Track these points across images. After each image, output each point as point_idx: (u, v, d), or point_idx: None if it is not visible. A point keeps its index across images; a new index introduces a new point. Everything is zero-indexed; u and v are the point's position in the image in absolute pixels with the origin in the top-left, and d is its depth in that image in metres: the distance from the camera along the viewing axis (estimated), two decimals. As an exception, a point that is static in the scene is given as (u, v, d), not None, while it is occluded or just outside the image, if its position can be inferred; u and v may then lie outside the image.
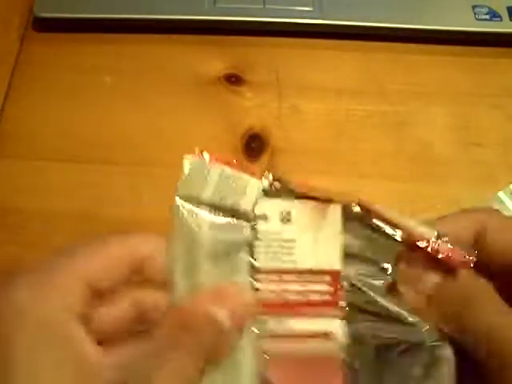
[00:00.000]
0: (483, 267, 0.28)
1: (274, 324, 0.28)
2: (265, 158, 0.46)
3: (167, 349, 0.26)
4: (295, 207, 0.28)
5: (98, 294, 0.27)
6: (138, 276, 0.28)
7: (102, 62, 0.49)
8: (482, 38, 0.50)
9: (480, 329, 0.25)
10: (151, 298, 0.28)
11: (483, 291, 0.27)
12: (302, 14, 0.50)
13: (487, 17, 0.50)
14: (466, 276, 0.27)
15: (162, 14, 0.49)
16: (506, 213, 0.42)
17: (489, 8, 0.50)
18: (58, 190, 0.44)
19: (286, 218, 0.28)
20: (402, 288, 0.28)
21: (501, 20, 0.50)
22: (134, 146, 0.46)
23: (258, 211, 0.28)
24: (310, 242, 0.28)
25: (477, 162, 0.46)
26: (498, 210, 0.30)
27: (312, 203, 0.28)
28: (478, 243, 0.28)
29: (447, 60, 0.50)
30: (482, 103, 0.48)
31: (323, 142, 0.46)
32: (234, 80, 0.49)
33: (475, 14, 0.50)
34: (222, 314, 0.27)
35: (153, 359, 0.25)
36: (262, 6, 0.50)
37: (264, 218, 0.28)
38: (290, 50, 0.50)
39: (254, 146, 0.46)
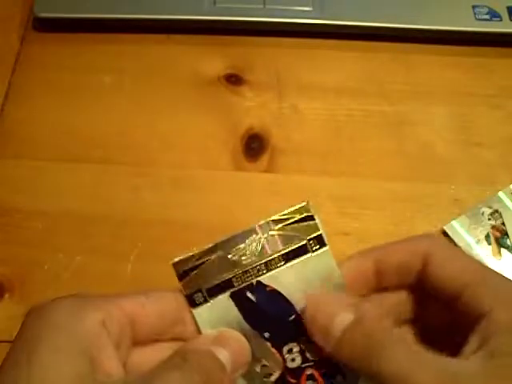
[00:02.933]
0: (427, 292, 0.29)
1: None
2: (265, 158, 0.46)
3: (170, 378, 0.26)
4: None
5: (140, 337, 0.28)
6: (182, 328, 0.29)
7: (102, 61, 0.49)
8: (482, 37, 0.50)
9: (388, 374, 0.25)
10: None
11: (390, 334, 0.27)
12: (302, 14, 0.50)
13: (487, 17, 0.50)
14: (371, 319, 0.28)
15: (162, 14, 0.49)
16: (506, 213, 0.42)
17: (489, 8, 0.50)
18: (58, 190, 0.44)
19: None
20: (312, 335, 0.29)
21: (501, 20, 0.50)
22: (134, 146, 0.46)
23: None
24: None
25: (477, 162, 0.46)
26: (441, 239, 0.31)
27: None
28: (423, 269, 0.29)
29: (447, 60, 0.50)
30: (482, 103, 0.48)
31: (323, 142, 0.46)
32: (233, 80, 0.49)
33: (475, 14, 0.50)
34: (223, 354, 0.28)
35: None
36: (262, 6, 0.50)
37: None
38: (290, 50, 0.50)
39: (253, 146, 0.46)
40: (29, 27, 0.50)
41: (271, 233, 0.30)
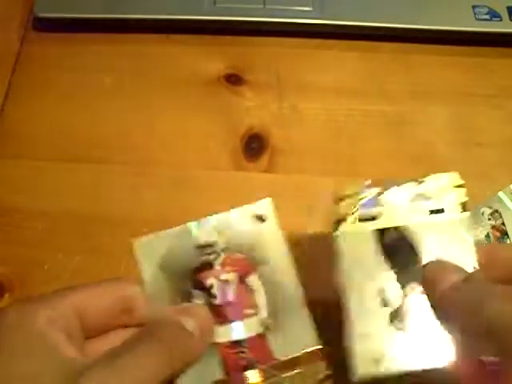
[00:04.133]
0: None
1: None
2: (265, 158, 0.46)
3: (139, 352, 0.27)
4: None
5: (88, 330, 0.29)
6: (127, 316, 0.30)
7: (102, 61, 0.49)
8: (482, 37, 0.50)
9: (498, 326, 0.26)
10: None
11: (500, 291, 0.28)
12: (302, 14, 0.50)
13: (487, 17, 0.50)
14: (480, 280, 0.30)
15: (162, 14, 0.49)
16: (506, 213, 0.42)
17: (489, 8, 0.50)
18: (58, 190, 0.44)
19: None
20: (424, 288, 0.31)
21: (501, 20, 0.50)
22: (134, 145, 0.46)
23: None
24: None
25: (477, 162, 0.46)
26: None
27: None
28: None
29: (447, 60, 0.50)
30: (482, 103, 0.48)
31: (323, 142, 0.46)
32: (234, 80, 0.49)
33: (475, 14, 0.50)
34: (190, 323, 0.30)
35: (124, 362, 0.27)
36: (262, 6, 0.50)
37: None
38: (290, 50, 0.50)
39: (254, 146, 0.46)
40: (29, 27, 0.50)
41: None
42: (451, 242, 0.32)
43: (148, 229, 0.42)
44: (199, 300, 0.32)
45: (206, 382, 0.31)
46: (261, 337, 0.32)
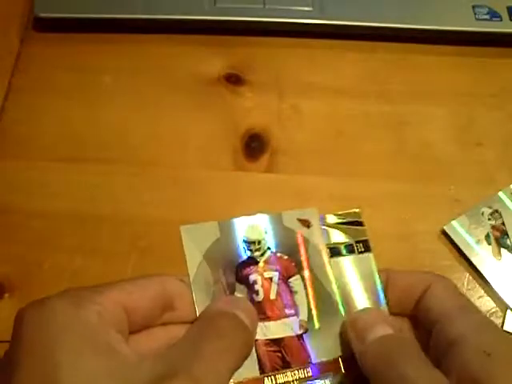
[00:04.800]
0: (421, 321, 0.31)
1: None
2: (265, 158, 0.46)
3: (203, 344, 0.27)
4: None
5: (132, 326, 0.29)
6: (169, 313, 0.30)
7: (101, 61, 0.49)
8: (482, 37, 0.50)
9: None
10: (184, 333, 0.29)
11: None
12: (302, 14, 0.50)
13: (487, 17, 0.50)
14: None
15: (162, 14, 0.49)
16: (506, 213, 0.42)
17: (489, 8, 0.50)
18: (58, 190, 0.44)
19: None
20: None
21: (501, 20, 0.50)
22: (134, 145, 0.46)
23: None
24: None
25: (477, 162, 0.46)
26: (444, 278, 0.33)
27: None
28: (421, 299, 0.31)
29: (447, 60, 0.50)
30: (482, 103, 0.48)
31: (323, 142, 0.46)
32: (234, 80, 0.49)
33: (475, 14, 0.50)
34: (243, 316, 0.29)
35: (192, 355, 0.26)
36: (262, 6, 0.50)
37: None
38: (290, 50, 0.50)
39: (254, 146, 0.46)
40: (29, 27, 0.50)
41: (323, 227, 0.34)
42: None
43: (148, 229, 0.42)
44: (241, 294, 0.32)
45: (239, 378, 0.30)
46: (298, 338, 0.32)
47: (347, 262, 0.34)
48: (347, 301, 0.33)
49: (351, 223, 0.35)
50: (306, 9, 0.50)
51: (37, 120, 0.47)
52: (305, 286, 0.33)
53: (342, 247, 0.34)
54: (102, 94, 0.48)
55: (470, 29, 0.49)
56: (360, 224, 0.35)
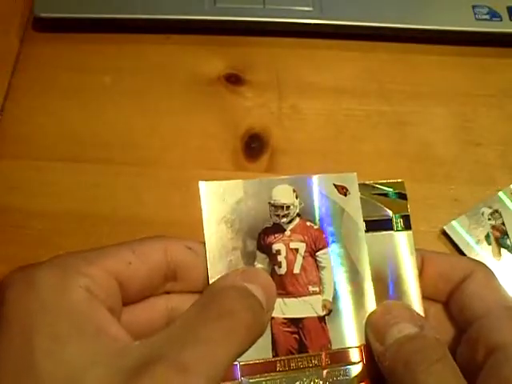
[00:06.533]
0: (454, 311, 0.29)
1: None
2: (265, 158, 0.46)
3: (200, 328, 0.24)
4: None
5: (127, 297, 0.26)
6: (173, 283, 0.27)
7: (101, 61, 0.49)
8: (482, 37, 0.50)
9: None
10: (186, 304, 0.26)
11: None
12: (302, 14, 0.50)
13: (487, 17, 0.50)
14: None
15: (161, 14, 0.49)
16: (506, 213, 0.42)
17: (489, 8, 0.50)
18: (58, 190, 0.44)
19: None
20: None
21: (501, 20, 0.50)
22: (134, 145, 0.46)
23: None
24: None
25: (477, 162, 0.46)
26: (486, 267, 0.30)
27: None
28: (458, 287, 0.28)
29: (447, 60, 0.50)
30: (482, 103, 0.48)
31: (323, 142, 0.46)
32: (233, 80, 0.49)
33: (475, 14, 0.50)
34: (258, 291, 0.26)
35: (183, 339, 0.23)
36: (262, 6, 0.50)
37: None
38: (290, 50, 0.50)
39: (254, 146, 0.46)
40: (29, 27, 0.50)
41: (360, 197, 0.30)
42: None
43: (148, 229, 0.42)
44: (261, 264, 0.29)
45: (248, 358, 0.27)
46: (320, 320, 0.29)
47: (383, 239, 0.30)
48: (378, 283, 0.29)
49: (393, 195, 0.31)
50: (306, 9, 0.50)
51: (37, 120, 0.47)
52: (334, 262, 0.29)
53: (380, 222, 0.30)
54: (102, 94, 0.48)
55: (469, 29, 0.49)
56: (403, 197, 0.31)
